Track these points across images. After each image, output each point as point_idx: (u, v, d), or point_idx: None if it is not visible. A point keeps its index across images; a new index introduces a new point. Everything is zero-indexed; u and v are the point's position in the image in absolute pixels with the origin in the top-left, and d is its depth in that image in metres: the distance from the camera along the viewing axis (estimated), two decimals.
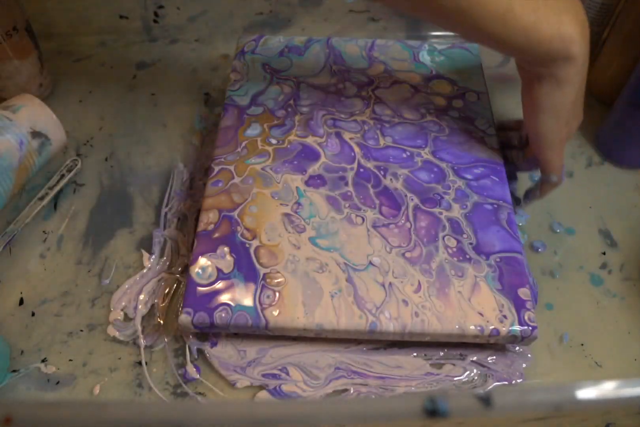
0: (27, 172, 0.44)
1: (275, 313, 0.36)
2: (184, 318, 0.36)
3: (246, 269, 0.38)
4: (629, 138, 0.47)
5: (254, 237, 0.39)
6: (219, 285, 0.37)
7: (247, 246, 0.39)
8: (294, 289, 0.37)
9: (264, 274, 0.37)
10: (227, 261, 0.38)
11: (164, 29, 0.60)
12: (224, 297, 0.36)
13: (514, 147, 0.47)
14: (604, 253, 0.44)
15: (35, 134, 0.44)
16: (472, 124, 0.47)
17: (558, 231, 0.45)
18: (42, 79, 0.52)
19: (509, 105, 0.54)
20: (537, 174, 0.46)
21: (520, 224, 0.45)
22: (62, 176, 0.47)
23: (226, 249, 0.39)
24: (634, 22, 0.48)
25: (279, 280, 0.37)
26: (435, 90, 0.49)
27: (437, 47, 0.53)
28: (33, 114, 0.44)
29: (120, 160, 0.49)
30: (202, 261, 0.38)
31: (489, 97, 0.49)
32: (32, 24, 0.51)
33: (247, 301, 0.36)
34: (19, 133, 0.42)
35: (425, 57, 0.52)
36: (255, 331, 0.36)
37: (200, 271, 0.37)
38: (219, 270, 0.38)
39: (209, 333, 0.39)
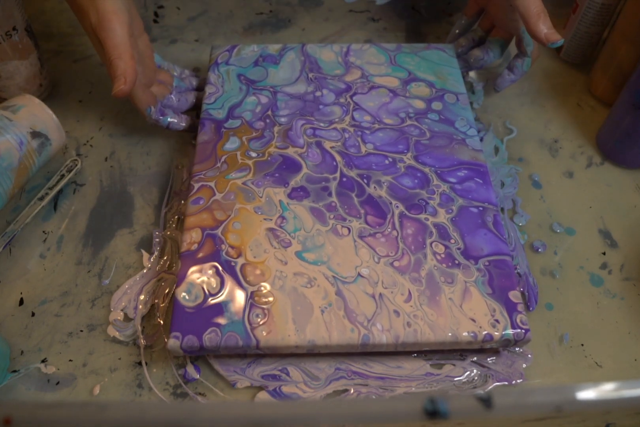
0: (27, 172, 0.44)
1: (266, 332, 0.35)
2: (173, 343, 0.35)
3: (233, 288, 0.37)
4: (629, 138, 0.47)
5: (239, 255, 0.39)
6: (207, 307, 0.36)
7: (233, 264, 0.38)
8: (283, 306, 0.36)
9: (252, 293, 0.37)
10: (213, 281, 0.37)
11: (164, 29, 0.60)
12: (213, 319, 0.36)
13: (475, 46, 0.54)
14: (604, 253, 0.44)
15: (35, 134, 0.44)
16: (453, 125, 0.47)
17: (558, 231, 0.45)
18: (42, 79, 0.52)
19: (510, 106, 0.54)
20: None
21: (521, 224, 0.45)
22: (62, 176, 0.47)
23: (211, 268, 0.38)
24: (634, 22, 0.48)
25: (268, 298, 0.37)
26: (413, 94, 0.49)
27: (412, 49, 0.52)
28: (33, 114, 0.44)
29: (120, 160, 0.49)
30: (188, 282, 0.37)
31: (470, 97, 0.49)
32: (32, 24, 0.51)
33: (236, 321, 0.36)
34: (18, 133, 0.42)
35: (401, 60, 0.52)
36: (246, 351, 0.36)
37: (186, 293, 0.37)
38: (205, 291, 0.37)
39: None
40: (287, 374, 0.37)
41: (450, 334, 0.36)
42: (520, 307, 0.37)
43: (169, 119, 0.48)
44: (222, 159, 0.44)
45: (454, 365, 0.38)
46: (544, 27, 0.45)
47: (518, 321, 0.36)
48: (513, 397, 0.19)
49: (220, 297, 0.37)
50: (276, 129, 0.46)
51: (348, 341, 0.35)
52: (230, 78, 0.50)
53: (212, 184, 0.42)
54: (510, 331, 0.36)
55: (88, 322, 0.40)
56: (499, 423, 0.23)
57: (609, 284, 0.42)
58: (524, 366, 0.38)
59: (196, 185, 0.42)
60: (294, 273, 0.38)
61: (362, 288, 0.37)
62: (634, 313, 0.41)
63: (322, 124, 0.47)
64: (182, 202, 0.46)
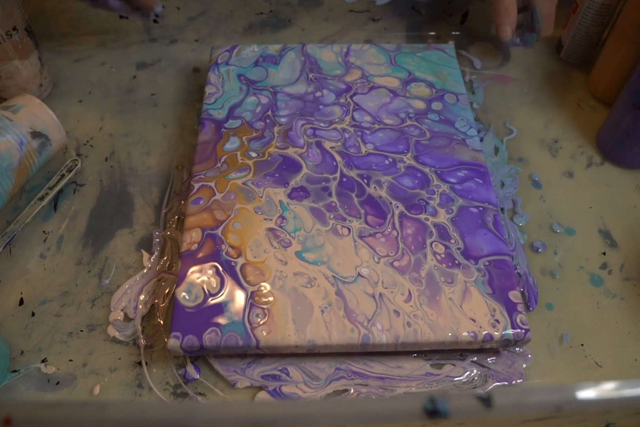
0: (27, 172, 0.44)
1: (266, 332, 0.35)
2: (173, 342, 0.35)
3: (233, 288, 0.37)
4: (629, 138, 0.47)
5: (239, 255, 0.39)
6: (207, 306, 0.36)
7: (233, 264, 0.38)
8: (283, 306, 0.36)
9: (252, 292, 0.37)
10: (213, 281, 0.37)
11: (164, 29, 0.60)
12: (213, 319, 0.36)
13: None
14: (604, 253, 0.44)
15: (35, 134, 0.44)
16: (453, 126, 0.47)
17: (558, 231, 0.45)
18: (42, 79, 0.52)
19: (510, 106, 0.54)
20: None
21: (521, 224, 0.45)
22: (62, 176, 0.47)
23: (211, 268, 0.38)
24: (634, 22, 0.48)
25: (268, 298, 0.37)
26: (413, 94, 0.49)
27: (412, 50, 0.53)
28: (33, 114, 0.44)
29: (120, 161, 0.49)
30: (188, 282, 0.37)
31: (470, 97, 0.49)
32: (32, 24, 0.51)
33: (236, 321, 0.36)
34: (19, 133, 0.42)
35: (401, 60, 0.52)
36: (246, 351, 0.36)
37: (186, 293, 0.37)
38: (205, 291, 0.37)
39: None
40: (287, 374, 0.37)
41: (450, 334, 0.36)
42: (520, 307, 0.37)
43: None
44: (222, 159, 0.44)
45: (454, 365, 0.38)
46: (507, 27, 0.49)
47: (518, 321, 0.36)
48: (513, 397, 0.19)
49: (220, 297, 0.37)
50: (276, 129, 0.46)
51: (348, 340, 0.35)
52: (230, 78, 0.50)
53: (212, 184, 0.42)
54: (510, 331, 0.36)
55: (88, 322, 0.40)
56: (499, 423, 0.23)
57: (609, 284, 0.42)
58: (524, 366, 0.38)
59: (196, 185, 0.42)
60: (294, 273, 0.38)
61: (362, 288, 0.37)
62: (634, 313, 0.41)
63: (322, 124, 0.47)
64: (182, 202, 0.46)
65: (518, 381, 0.38)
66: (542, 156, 0.50)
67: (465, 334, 0.36)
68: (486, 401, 0.19)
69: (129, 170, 0.49)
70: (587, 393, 0.20)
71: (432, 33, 0.61)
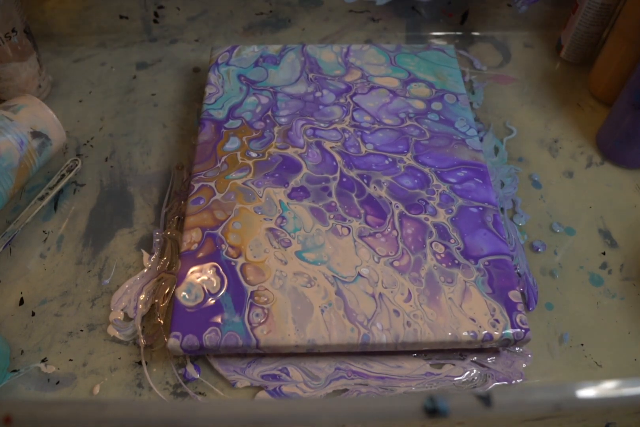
0: (27, 172, 0.44)
1: (266, 331, 0.35)
2: (173, 342, 0.35)
3: (233, 288, 0.37)
4: (628, 138, 0.47)
5: (239, 255, 0.39)
6: (207, 306, 0.36)
7: (233, 264, 0.38)
8: (283, 305, 0.37)
9: (252, 292, 0.37)
10: (213, 281, 0.37)
11: (164, 29, 0.60)
12: (213, 319, 0.36)
13: None
14: (604, 253, 0.44)
15: (36, 134, 0.44)
16: (453, 126, 0.47)
17: (558, 231, 0.45)
18: (40, 80, 0.52)
19: (510, 106, 0.54)
20: None
21: (520, 224, 0.45)
22: (62, 176, 0.47)
23: (211, 268, 0.38)
24: (634, 22, 0.48)
25: (268, 297, 0.37)
26: (413, 94, 0.49)
27: (412, 50, 0.53)
28: (33, 114, 0.44)
29: (120, 160, 0.49)
30: (188, 282, 0.37)
31: (470, 97, 0.49)
32: (32, 24, 0.51)
33: (236, 321, 0.36)
34: (19, 133, 0.42)
35: (401, 60, 0.52)
36: (246, 351, 0.36)
37: (186, 293, 0.37)
38: (205, 291, 0.37)
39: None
40: (287, 374, 0.37)
41: (450, 333, 0.36)
42: (520, 307, 0.37)
43: None
44: (222, 159, 0.44)
45: (453, 365, 0.38)
46: None
47: (518, 320, 0.36)
48: (513, 396, 0.19)
49: (220, 297, 0.37)
50: (276, 129, 0.46)
51: (348, 340, 0.35)
52: (230, 78, 0.50)
53: (212, 184, 0.42)
54: (510, 331, 0.36)
55: (88, 322, 0.40)
56: (499, 422, 0.23)
57: (609, 284, 0.42)
58: (524, 365, 0.38)
59: (196, 185, 0.42)
60: (294, 273, 0.38)
61: (362, 288, 0.37)
62: (634, 313, 0.41)
63: (322, 124, 0.47)
64: (182, 202, 0.46)
65: (518, 380, 0.38)
66: (542, 156, 0.50)
67: (465, 333, 0.36)
68: (486, 399, 0.19)
69: (129, 170, 0.49)
70: (587, 392, 0.20)
71: (432, 33, 0.61)
